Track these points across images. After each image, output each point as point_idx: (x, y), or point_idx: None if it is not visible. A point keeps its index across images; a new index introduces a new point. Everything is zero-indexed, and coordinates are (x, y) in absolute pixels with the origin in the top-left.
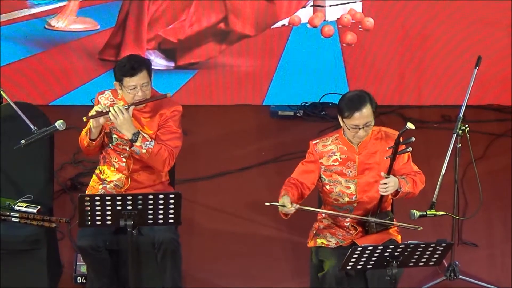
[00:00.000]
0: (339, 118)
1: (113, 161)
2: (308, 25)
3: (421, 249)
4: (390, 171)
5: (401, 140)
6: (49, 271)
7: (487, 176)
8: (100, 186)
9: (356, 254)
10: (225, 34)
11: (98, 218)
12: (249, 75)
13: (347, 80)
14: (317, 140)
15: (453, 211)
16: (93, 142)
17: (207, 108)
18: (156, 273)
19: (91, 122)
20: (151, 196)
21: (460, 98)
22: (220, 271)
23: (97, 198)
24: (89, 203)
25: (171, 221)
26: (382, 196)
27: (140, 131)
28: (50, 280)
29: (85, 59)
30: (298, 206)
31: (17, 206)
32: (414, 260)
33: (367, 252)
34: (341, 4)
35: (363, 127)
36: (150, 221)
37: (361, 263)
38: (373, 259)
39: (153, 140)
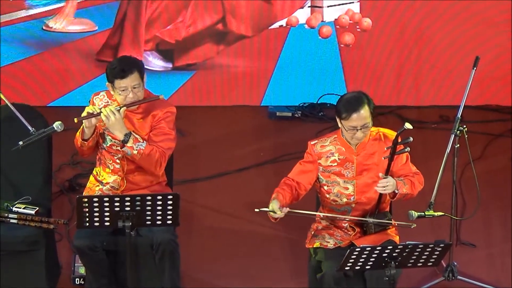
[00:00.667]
0: (337, 120)
1: (108, 162)
2: (306, 26)
3: (419, 249)
4: (388, 172)
5: (399, 140)
6: (47, 272)
7: (486, 176)
8: (97, 188)
9: (355, 254)
10: (222, 35)
11: (96, 219)
12: (247, 76)
13: (345, 81)
14: (316, 141)
15: (451, 211)
16: (86, 142)
17: (205, 109)
18: (154, 274)
19: (84, 122)
20: (149, 197)
21: (458, 98)
22: (218, 271)
23: (95, 199)
24: (87, 205)
25: (169, 222)
26: (380, 197)
27: (132, 132)
28: (48, 281)
29: (83, 60)
30: (287, 210)
31: (15, 207)
32: (413, 260)
33: (365, 252)
34: (339, 4)
35: (361, 129)
36: (148, 222)
37: (360, 263)
38: (372, 259)
39: (144, 141)
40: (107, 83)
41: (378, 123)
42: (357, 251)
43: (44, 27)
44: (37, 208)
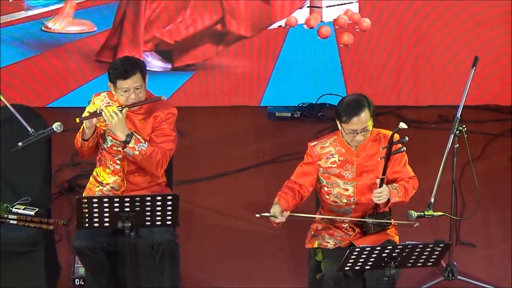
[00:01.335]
0: (337, 122)
1: (108, 163)
2: (305, 26)
3: (419, 249)
4: (385, 172)
5: (394, 140)
6: (47, 273)
7: (485, 176)
8: (97, 189)
9: (354, 255)
10: (221, 35)
11: (95, 220)
12: (246, 76)
13: (344, 81)
14: (315, 142)
15: (451, 211)
16: (86, 143)
17: (204, 110)
18: (154, 274)
19: (85, 123)
20: (148, 198)
21: (457, 98)
22: (218, 271)
23: (95, 200)
24: (86, 205)
25: (168, 222)
26: None
27: (134, 133)
28: (48, 282)
29: (82, 61)
30: (288, 214)
31: (15, 208)
32: (412, 260)
33: (365, 253)
34: (337, 5)
35: (361, 132)
36: (147, 223)
37: (359, 264)
38: (371, 259)
39: (146, 142)
40: (109, 83)
41: (378, 123)
42: (356, 251)
43: (43, 28)
44: (37, 209)
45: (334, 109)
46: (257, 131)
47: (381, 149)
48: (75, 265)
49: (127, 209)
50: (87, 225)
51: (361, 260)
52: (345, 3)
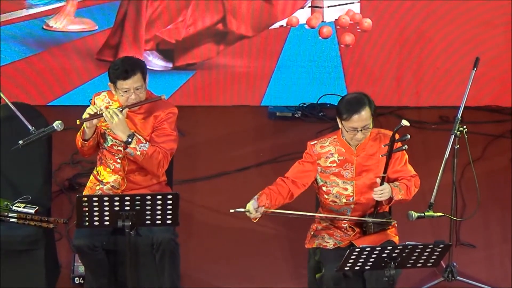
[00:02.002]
0: (338, 120)
1: (109, 162)
2: (306, 26)
3: (419, 250)
4: (386, 170)
5: (396, 138)
6: (47, 271)
7: (485, 177)
8: (98, 187)
9: (354, 255)
10: (223, 34)
11: (96, 218)
12: (247, 76)
13: (345, 81)
14: (315, 141)
15: (451, 212)
16: (86, 143)
17: (205, 109)
18: (154, 273)
19: (85, 123)
20: (149, 197)
21: (458, 99)
22: (218, 271)
23: (95, 198)
24: (87, 204)
25: (169, 221)
26: None
27: (135, 133)
28: (48, 280)
29: (83, 59)
30: (263, 209)
31: (15, 206)
32: (412, 261)
33: (365, 253)
34: (339, 5)
35: (361, 130)
36: (148, 222)
37: (359, 264)
38: (371, 260)
39: (147, 142)
40: (109, 83)
41: (378, 123)
42: (356, 251)
43: (44, 26)
44: (37, 207)
45: (335, 107)
46: (257, 131)
47: (382, 146)
48: (75, 264)
49: (127, 208)
50: (87, 223)
51: (361, 260)
52: (346, 3)
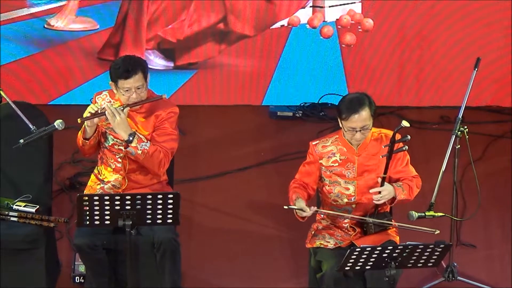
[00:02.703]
0: (338, 120)
1: (110, 161)
2: (308, 26)
3: (419, 250)
4: (386, 170)
5: (396, 138)
6: (47, 270)
7: (486, 177)
8: (98, 186)
9: (355, 255)
10: (224, 34)
11: (96, 218)
12: (248, 75)
13: (346, 81)
14: (317, 141)
15: (452, 212)
16: (87, 142)
17: (206, 108)
18: (155, 273)
19: (86, 122)
20: (149, 196)
21: (459, 100)
22: (219, 271)
23: (96, 198)
24: (87, 203)
25: (169, 221)
26: None
27: (136, 132)
28: (48, 279)
29: (84, 58)
30: (315, 209)
31: (16, 205)
32: (413, 261)
33: (365, 253)
34: (340, 5)
35: (360, 130)
36: (148, 221)
37: (360, 264)
38: (372, 260)
39: (148, 141)
40: (110, 82)
41: (379, 123)
42: (357, 251)
43: (45, 26)
44: (38, 206)
45: (336, 107)
46: (258, 131)
47: (383, 147)
48: (76, 263)
49: (128, 207)
50: (87, 222)
51: (361, 260)
52: (348, 3)
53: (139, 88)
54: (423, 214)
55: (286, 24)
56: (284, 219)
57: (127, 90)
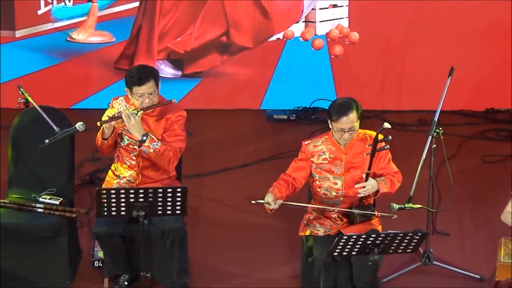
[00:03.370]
0: (329, 121)
1: (125, 159)
2: (300, 39)
3: (399, 238)
4: (370, 167)
5: (379, 138)
6: (70, 256)
7: (459, 174)
8: (115, 181)
9: (342, 242)
10: (226, 46)
11: (113, 209)
12: (247, 83)
13: (334, 88)
14: (309, 141)
15: (428, 204)
16: (105, 141)
17: (211, 112)
18: (165, 258)
19: (104, 124)
20: (160, 190)
21: (435, 104)
22: (222, 256)
23: (113, 191)
24: (105, 196)
25: (178, 212)
26: None
27: (149, 133)
28: (70, 264)
29: (102, 68)
30: (281, 202)
31: (42, 198)
32: (394, 247)
33: (351, 240)
34: (330, 20)
35: (348, 131)
36: (159, 212)
37: (347, 250)
38: (357, 246)
39: (159, 141)
40: (126, 88)
41: (364, 125)
42: (344, 238)
43: (68, 38)
44: (61, 199)
45: (326, 110)
46: (257, 132)
47: (367, 146)
48: (95, 249)
49: (141, 200)
50: (105, 213)
51: (348, 246)
52: (336, 19)
53: (151, 94)
54: (403, 206)
55: (281, 37)
56: (279, 211)
57: (140, 96)
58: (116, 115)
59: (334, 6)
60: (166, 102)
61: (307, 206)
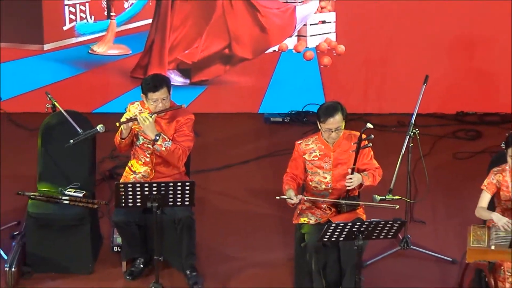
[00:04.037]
0: (317, 123)
1: (140, 156)
2: (293, 51)
3: (381, 225)
4: (355, 162)
5: (363, 137)
6: (92, 242)
7: (433, 169)
8: (131, 176)
9: (331, 229)
10: (229, 57)
11: (130, 200)
12: (247, 89)
13: (323, 93)
14: (301, 141)
15: (406, 195)
16: (123, 141)
17: (215, 115)
18: (175, 243)
19: (122, 126)
20: (171, 184)
21: (412, 108)
22: (225, 241)
23: (129, 185)
24: (123, 189)
25: (187, 203)
26: None
27: (161, 134)
28: (93, 249)
29: (119, 76)
30: (301, 196)
31: (67, 191)
32: (376, 234)
33: (339, 227)
34: (319, 34)
35: (334, 131)
36: (170, 203)
37: (335, 236)
38: (344, 233)
39: (171, 141)
40: (141, 94)
41: (349, 126)
42: (333, 226)
43: (89, 51)
44: (84, 192)
45: (315, 113)
46: (256, 133)
47: (352, 144)
48: (114, 236)
49: (155, 192)
50: (123, 204)
51: (336, 233)
52: (325, 33)
53: (164, 99)
54: (384, 197)
55: (277, 50)
56: (276, 202)
57: (154, 101)
58: (132, 118)
59: (323, 22)
60: (176, 106)
61: (323, 201)
